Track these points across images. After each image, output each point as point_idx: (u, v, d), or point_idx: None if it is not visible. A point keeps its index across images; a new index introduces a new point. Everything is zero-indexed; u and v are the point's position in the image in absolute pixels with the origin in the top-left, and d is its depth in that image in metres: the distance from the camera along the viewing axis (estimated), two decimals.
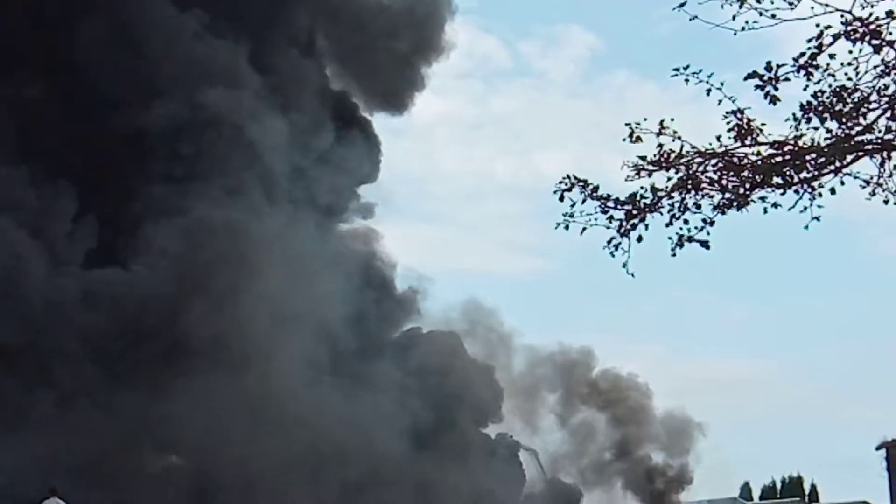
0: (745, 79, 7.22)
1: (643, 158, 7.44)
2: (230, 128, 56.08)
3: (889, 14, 7.15)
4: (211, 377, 52.24)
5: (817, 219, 7.57)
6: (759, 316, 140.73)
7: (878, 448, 39.69)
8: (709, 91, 7.32)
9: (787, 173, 7.42)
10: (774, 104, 7.23)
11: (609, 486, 71.69)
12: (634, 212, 7.48)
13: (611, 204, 7.53)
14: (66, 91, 55.28)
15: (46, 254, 54.09)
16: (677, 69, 7.31)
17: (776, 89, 7.23)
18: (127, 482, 47.37)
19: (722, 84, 7.33)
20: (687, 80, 7.33)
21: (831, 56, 7.27)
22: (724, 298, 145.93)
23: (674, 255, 7.39)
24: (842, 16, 7.21)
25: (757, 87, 7.24)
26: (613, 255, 7.53)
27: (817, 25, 7.23)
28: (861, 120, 7.30)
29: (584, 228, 7.53)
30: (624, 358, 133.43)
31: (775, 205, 7.50)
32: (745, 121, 7.39)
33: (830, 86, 7.26)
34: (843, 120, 7.28)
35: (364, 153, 65.61)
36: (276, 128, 57.28)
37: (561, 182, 7.54)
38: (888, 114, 7.28)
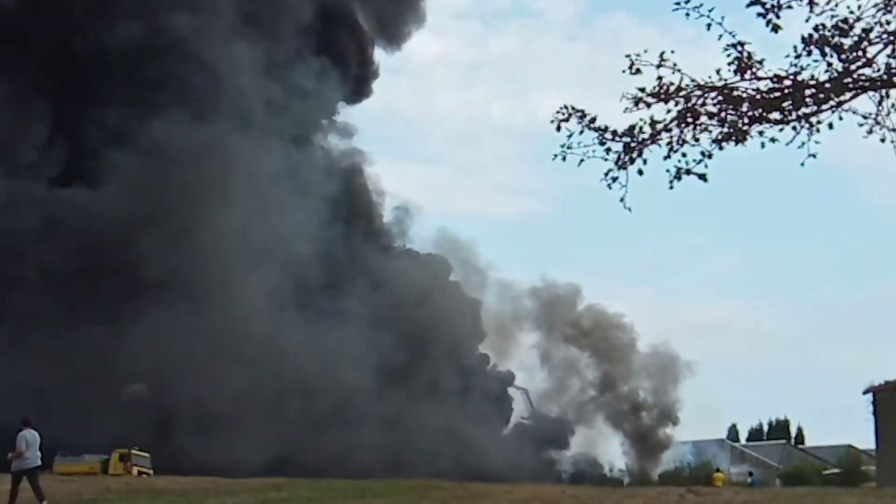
0: (748, 6, 7.14)
1: (642, 90, 7.37)
2: (195, 53, 55.07)
3: None
4: (171, 309, 51.78)
5: (814, 156, 7.56)
6: (750, 260, 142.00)
7: (864, 392, 40.12)
8: (709, 26, 7.23)
9: (786, 108, 7.38)
10: (776, 32, 7.16)
11: (592, 422, 72.64)
12: (633, 144, 7.41)
13: (609, 136, 7.45)
14: (34, 9, 53.67)
15: (8, 182, 53.17)
16: (678, 3, 7.23)
17: (778, 17, 7.15)
18: (85, 413, 47.11)
19: (723, 18, 7.26)
20: (688, 15, 7.23)
21: None
22: (715, 242, 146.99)
23: (671, 187, 7.36)
24: None
25: (759, 14, 7.17)
26: (610, 188, 7.48)
27: None
28: (861, 55, 7.25)
29: (581, 160, 7.46)
30: (614, 300, 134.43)
31: (773, 140, 7.46)
32: (746, 54, 7.32)
33: (832, 17, 7.19)
34: (844, 54, 7.23)
35: (342, 85, 64.80)
36: (247, 56, 56.35)
37: (558, 112, 7.45)
38: (889, 50, 7.24)
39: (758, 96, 7.37)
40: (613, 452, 72.39)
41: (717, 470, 56.24)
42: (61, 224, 52.14)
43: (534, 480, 40.97)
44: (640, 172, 7.43)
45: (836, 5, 7.18)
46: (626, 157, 7.44)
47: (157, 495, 24.68)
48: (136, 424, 47.95)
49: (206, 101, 54.85)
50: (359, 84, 68.26)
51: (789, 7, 7.19)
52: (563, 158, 7.51)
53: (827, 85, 7.24)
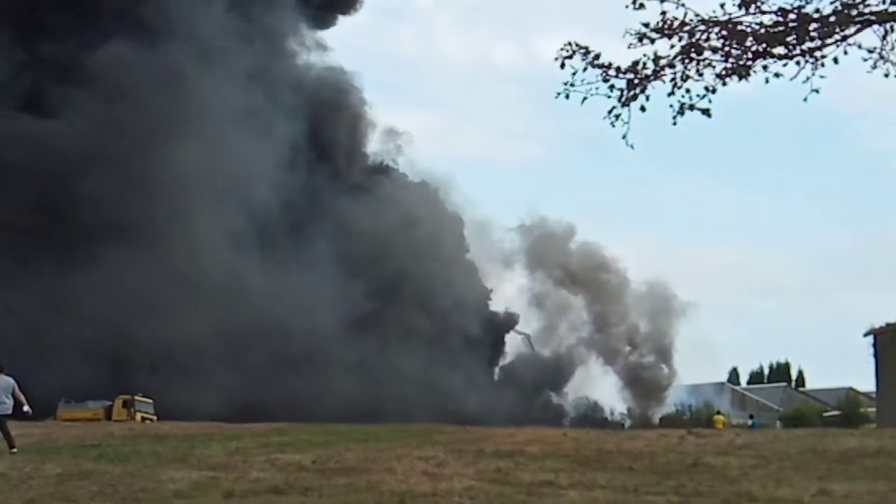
0: None
1: (646, 25, 7.28)
2: None
3: None
4: (129, 252, 50.28)
5: (817, 91, 7.49)
6: (751, 204, 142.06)
7: (865, 335, 40.17)
8: None
9: (790, 42, 7.29)
10: None
11: (586, 362, 72.71)
12: (636, 80, 7.35)
13: (612, 72, 7.39)
14: None
15: None
16: None
17: None
18: (41, 359, 46.49)
19: None
20: None
21: None
22: (716, 186, 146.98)
23: (674, 123, 7.31)
24: None
25: None
26: (613, 126, 7.43)
27: None
28: None
29: (584, 98, 7.40)
30: (615, 244, 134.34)
31: (777, 75, 7.39)
32: None
33: None
34: None
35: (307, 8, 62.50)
36: None
37: (562, 49, 7.38)
38: None
39: (762, 30, 7.29)
40: (614, 396, 72.63)
41: (718, 412, 56.57)
42: (12, 163, 50.61)
43: (515, 425, 40.54)
44: (643, 109, 7.38)
45: None
46: (630, 94, 7.38)
47: (160, 441, 24.83)
48: (92, 369, 47.40)
49: (162, 33, 52.92)
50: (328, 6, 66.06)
51: None
52: (567, 96, 7.45)
53: (831, 18, 7.15)
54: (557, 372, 70.34)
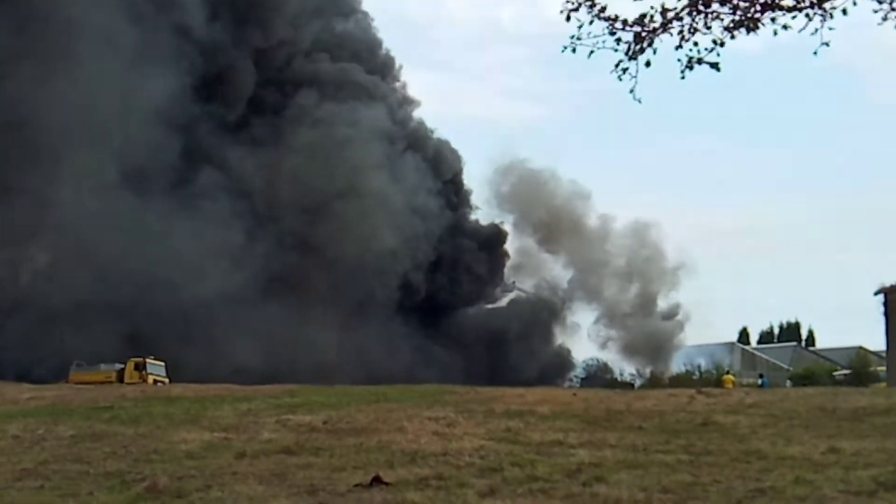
0: None
1: None
2: None
3: None
4: (3, 203, 46.97)
5: (826, 44, 7.37)
6: (759, 163, 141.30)
7: (876, 293, 40.05)
8: None
9: None
10: None
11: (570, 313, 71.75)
12: (643, 33, 7.26)
13: (619, 25, 7.30)
14: None
15: None
16: None
17: None
18: None
19: None
20: None
21: None
22: (723, 144, 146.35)
23: (683, 77, 7.24)
24: None
25: None
26: (621, 80, 7.36)
27: None
28: None
29: (591, 51, 7.31)
30: (623, 207, 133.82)
31: (785, 27, 7.29)
32: None
33: None
34: None
35: None
36: None
37: (568, 1, 7.29)
38: None
39: None
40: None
41: (728, 372, 56.63)
42: None
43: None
44: (648, 64, 7.30)
45: None
46: (637, 47, 7.29)
47: (172, 402, 24.95)
48: None
49: None
50: None
51: None
52: (573, 50, 7.37)
53: None
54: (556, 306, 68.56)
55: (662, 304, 71.53)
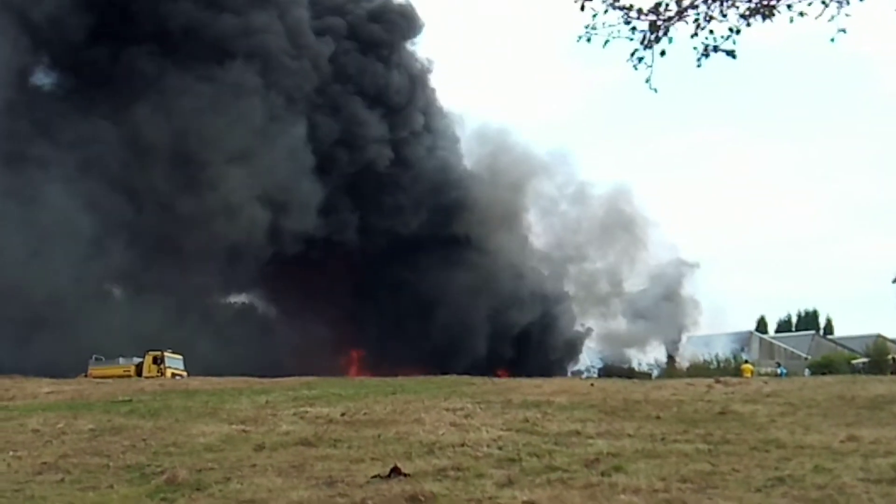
0: None
1: None
2: None
3: None
4: None
5: (844, 31, 7.33)
6: (777, 152, 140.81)
7: (894, 281, 39.88)
8: None
9: None
10: None
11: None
12: (658, 22, 7.22)
13: (634, 14, 7.26)
14: None
15: None
16: None
17: None
18: None
19: None
20: None
21: None
22: (739, 135, 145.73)
23: (699, 65, 7.20)
24: None
25: None
26: (636, 69, 7.31)
27: None
28: None
29: (606, 41, 7.28)
30: (641, 197, 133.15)
31: (801, 14, 7.24)
32: None
33: None
34: None
35: None
36: None
37: None
38: None
39: None
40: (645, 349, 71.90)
41: (746, 361, 56.51)
42: None
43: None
44: (663, 53, 7.25)
45: None
46: (652, 36, 7.24)
47: (190, 395, 25.04)
48: None
49: None
50: None
51: None
52: (588, 40, 7.33)
53: None
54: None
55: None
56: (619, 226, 68.62)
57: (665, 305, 68.21)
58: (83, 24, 52.09)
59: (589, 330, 69.58)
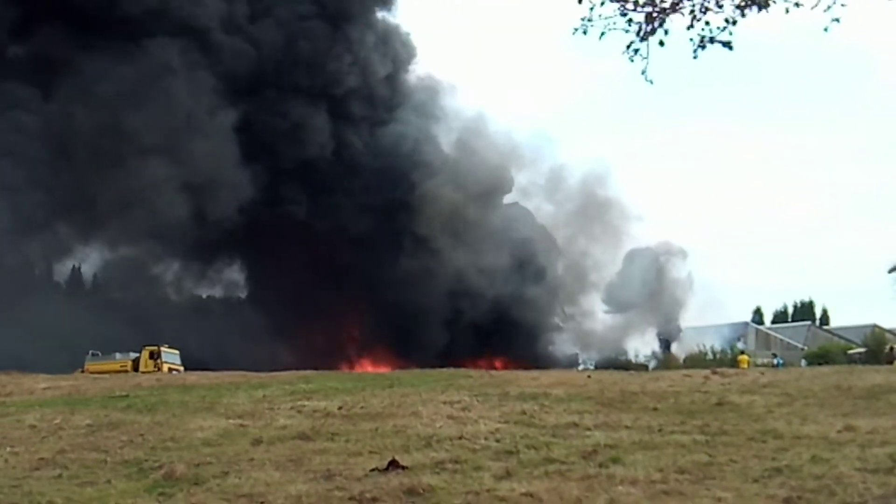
0: None
1: None
2: None
3: None
4: None
5: (837, 20, 7.32)
6: (774, 143, 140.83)
7: (889, 271, 39.87)
8: None
9: None
10: None
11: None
12: (654, 13, 7.21)
13: (630, 6, 7.25)
14: None
15: None
16: None
17: None
18: None
19: None
20: None
21: None
22: (739, 127, 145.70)
23: (695, 56, 7.19)
24: None
25: None
26: (632, 60, 7.31)
27: None
28: None
29: (602, 33, 7.28)
30: (634, 189, 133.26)
31: (797, 4, 7.23)
32: None
33: None
34: None
35: None
36: None
37: None
38: None
39: None
40: (639, 340, 72.05)
41: (742, 352, 56.54)
42: None
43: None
44: (661, 43, 7.24)
45: None
46: (648, 28, 7.24)
47: (187, 390, 25.05)
48: None
49: None
50: None
51: None
52: (585, 32, 7.32)
53: None
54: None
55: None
56: (595, 207, 68.74)
57: (650, 289, 68.42)
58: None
59: (570, 316, 69.64)
